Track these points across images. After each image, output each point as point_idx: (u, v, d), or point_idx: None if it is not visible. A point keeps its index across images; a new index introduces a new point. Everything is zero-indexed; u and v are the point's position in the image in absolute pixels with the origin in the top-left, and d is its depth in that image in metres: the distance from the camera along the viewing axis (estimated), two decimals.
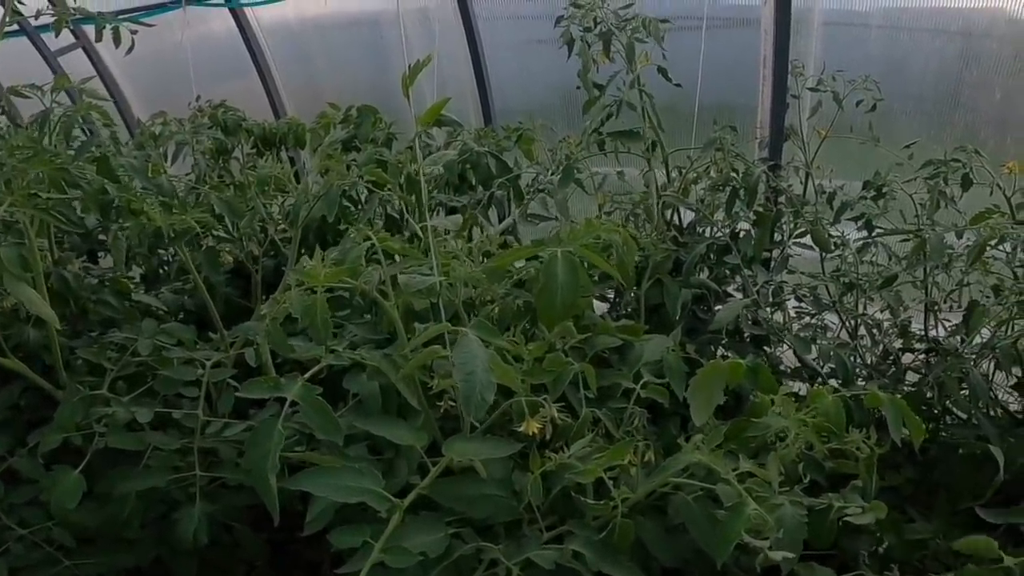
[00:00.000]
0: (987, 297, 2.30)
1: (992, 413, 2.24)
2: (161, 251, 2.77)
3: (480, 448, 1.46)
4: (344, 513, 1.50)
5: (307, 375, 1.39)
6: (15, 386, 1.99)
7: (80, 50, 5.22)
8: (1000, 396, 2.33)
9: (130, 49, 2.30)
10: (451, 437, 1.49)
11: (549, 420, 1.46)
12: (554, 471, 1.47)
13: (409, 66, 1.55)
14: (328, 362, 1.45)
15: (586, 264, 1.62)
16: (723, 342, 2.32)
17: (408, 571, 1.44)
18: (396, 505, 1.35)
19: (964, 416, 2.28)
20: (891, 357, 2.52)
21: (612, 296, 2.47)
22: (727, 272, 2.42)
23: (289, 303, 1.39)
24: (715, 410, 1.65)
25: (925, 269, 2.41)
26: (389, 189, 2.16)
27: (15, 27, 2.15)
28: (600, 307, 2.49)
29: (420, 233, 2.05)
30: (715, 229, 2.44)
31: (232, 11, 4.95)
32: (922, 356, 2.48)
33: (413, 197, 2.13)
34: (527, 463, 1.55)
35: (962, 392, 2.23)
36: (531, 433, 1.44)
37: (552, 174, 2.23)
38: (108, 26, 2.26)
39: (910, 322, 2.55)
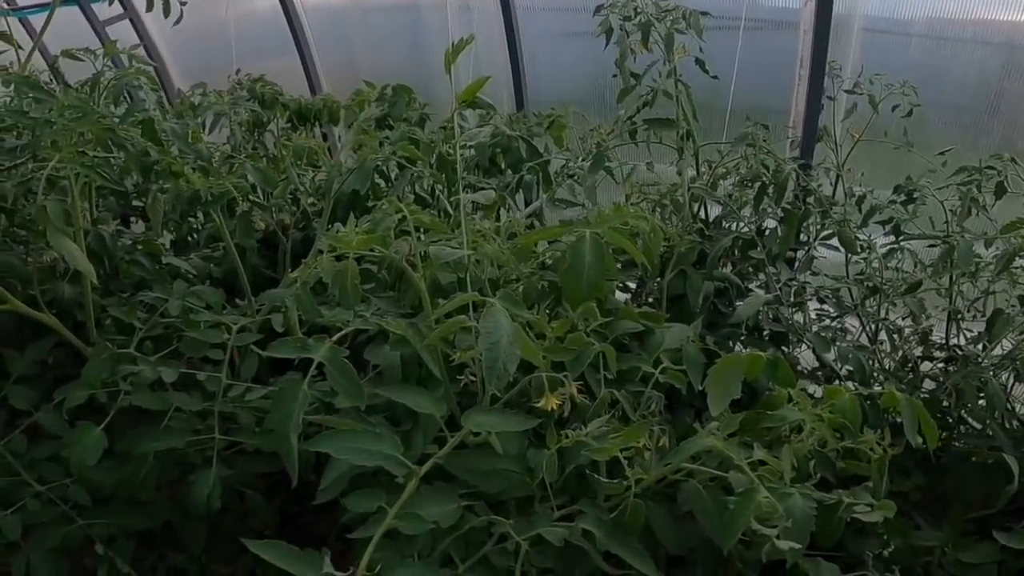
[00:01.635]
0: (1012, 307, 2.29)
1: (1007, 425, 2.23)
2: (191, 218, 2.82)
3: (499, 421, 1.48)
4: (357, 483, 1.53)
5: (334, 338, 1.41)
6: (46, 341, 2.02)
7: (127, 21, 5.32)
8: (1016, 408, 2.32)
9: (178, 20, 2.35)
10: (470, 409, 1.51)
11: (568, 398, 1.48)
12: (570, 448, 1.49)
13: (453, 43, 1.57)
14: (355, 327, 1.47)
15: (612, 250, 1.64)
16: (742, 337, 2.32)
17: (418, 540, 1.47)
18: (413, 471, 1.38)
19: (978, 426, 2.27)
20: (910, 363, 2.51)
21: (634, 286, 2.49)
22: (750, 268, 2.42)
23: (320, 268, 1.42)
24: (731, 404, 1.67)
25: (951, 277, 2.40)
26: (420, 167, 2.19)
27: None
28: (620, 297, 2.50)
29: (450, 210, 2.09)
30: (741, 224, 2.44)
31: None
32: (941, 365, 2.47)
33: (443, 176, 2.15)
34: (541, 441, 1.57)
35: (979, 401, 2.22)
36: (550, 409, 1.46)
37: (582, 161, 2.24)
38: None
39: (931, 330, 2.54)
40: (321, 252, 1.49)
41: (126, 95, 2.19)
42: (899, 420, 1.73)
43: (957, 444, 2.30)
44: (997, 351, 2.28)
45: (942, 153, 2.52)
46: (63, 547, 1.88)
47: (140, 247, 2.29)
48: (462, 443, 1.51)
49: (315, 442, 1.40)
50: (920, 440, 1.70)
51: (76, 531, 1.89)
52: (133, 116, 1.94)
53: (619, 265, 2.10)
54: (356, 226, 1.53)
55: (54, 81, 2.55)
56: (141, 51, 2.14)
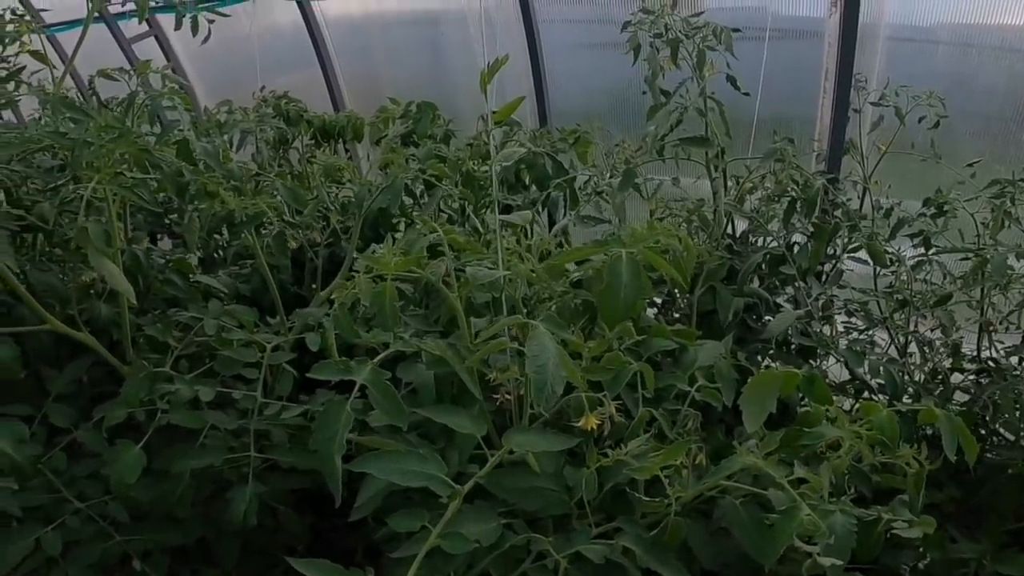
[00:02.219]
0: None
1: None
2: (216, 236, 2.84)
3: (539, 441, 1.49)
4: (390, 501, 1.54)
5: (376, 360, 1.42)
6: (84, 360, 2.04)
7: (152, 38, 5.39)
8: None
9: (207, 38, 2.37)
10: (510, 429, 1.52)
11: (608, 417, 1.48)
12: (609, 467, 1.49)
13: (488, 63, 1.58)
14: (395, 348, 1.48)
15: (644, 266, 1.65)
16: (771, 352, 2.32)
17: (457, 558, 1.48)
18: (457, 491, 1.38)
19: (1012, 437, 2.25)
20: (940, 376, 2.49)
21: (660, 302, 2.49)
22: (778, 283, 2.42)
23: (359, 289, 1.43)
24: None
25: (983, 289, 2.39)
26: (447, 184, 2.20)
27: (96, 14, 2.23)
28: (648, 312, 2.50)
29: (480, 228, 2.09)
30: (769, 239, 2.44)
31: (298, 3, 5.05)
32: (972, 376, 2.45)
33: (471, 193, 2.16)
34: (576, 460, 1.58)
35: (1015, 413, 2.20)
36: (589, 428, 1.46)
37: (610, 177, 2.24)
38: (187, 15, 2.33)
39: (962, 342, 2.52)
40: (356, 272, 1.50)
41: (159, 115, 2.21)
42: (933, 433, 1.71)
43: (990, 455, 2.28)
44: None
45: (971, 164, 2.50)
46: (101, 563, 1.90)
47: (172, 265, 2.31)
48: (499, 462, 1.52)
49: (360, 463, 1.41)
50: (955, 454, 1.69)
51: (114, 547, 1.91)
52: (168, 136, 1.96)
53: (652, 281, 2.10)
54: (391, 246, 1.54)
55: (85, 100, 2.59)
56: (171, 71, 2.16)
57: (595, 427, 1.46)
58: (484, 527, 1.46)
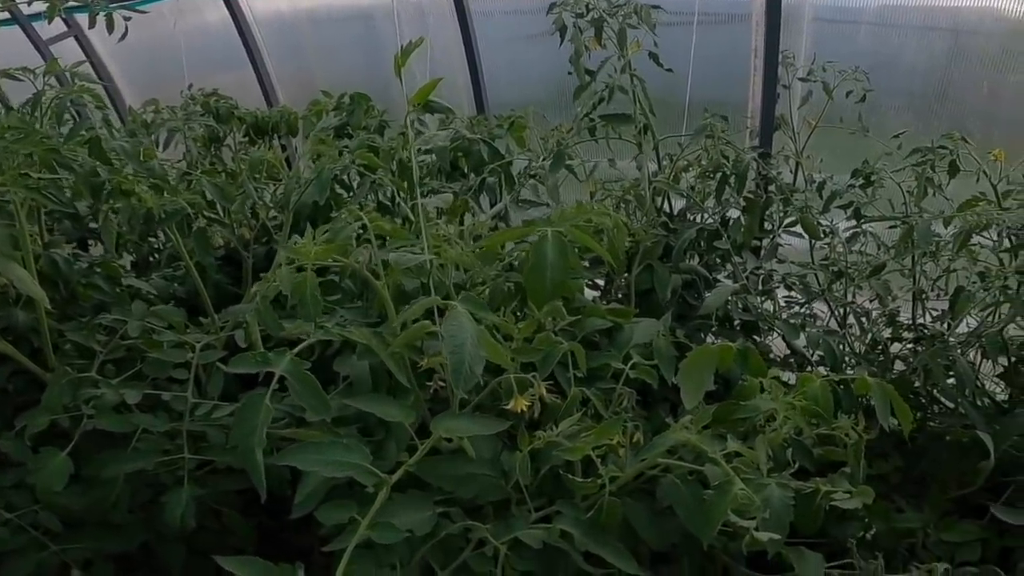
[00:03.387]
0: (974, 283, 2.32)
1: (979, 402, 2.25)
2: (151, 239, 2.77)
3: (469, 425, 1.47)
4: (333, 497, 1.50)
5: (295, 350, 1.39)
6: (3, 369, 1.97)
7: (72, 39, 5.21)
8: (986, 385, 2.34)
9: (123, 36, 2.31)
10: (439, 415, 1.49)
11: (538, 398, 1.46)
12: (542, 449, 1.48)
13: (401, 47, 1.55)
14: (317, 337, 1.44)
15: (577, 248, 1.63)
16: (713, 329, 2.33)
17: (395, 549, 1.45)
18: (383, 480, 1.36)
19: (951, 405, 2.29)
20: (879, 346, 2.53)
21: (603, 284, 2.48)
22: (717, 260, 2.43)
23: (279, 280, 1.39)
24: (705, 396, 1.66)
25: (913, 257, 2.43)
26: (381, 175, 2.16)
27: (6, 15, 2.14)
28: (590, 295, 2.49)
29: (412, 216, 2.06)
30: (705, 216, 2.45)
31: (226, 1, 4.94)
32: (910, 345, 2.49)
33: (405, 183, 2.13)
34: (515, 444, 1.56)
35: (949, 381, 2.24)
36: (519, 411, 1.44)
37: (544, 160, 2.23)
38: (101, 13, 2.25)
39: (898, 311, 2.57)
40: (280, 265, 1.46)
41: (73, 114, 2.13)
42: (872, 404, 1.73)
43: (932, 424, 2.32)
44: (963, 328, 2.31)
45: (896, 136, 2.55)
46: (39, 573, 1.85)
47: (98, 270, 2.24)
48: (435, 450, 1.49)
49: (282, 455, 1.38)
50: (894, 423, 1.71)
51: (50, 557, 1.86)
52: (79, 135, 1.89)
53: (586, 264, 2.10)
54: (315, 236, 1.50)
55: None
56: (86, 68, 2.08)
57: (526, 409, 1.44)
58: (418, 516, 1.44)
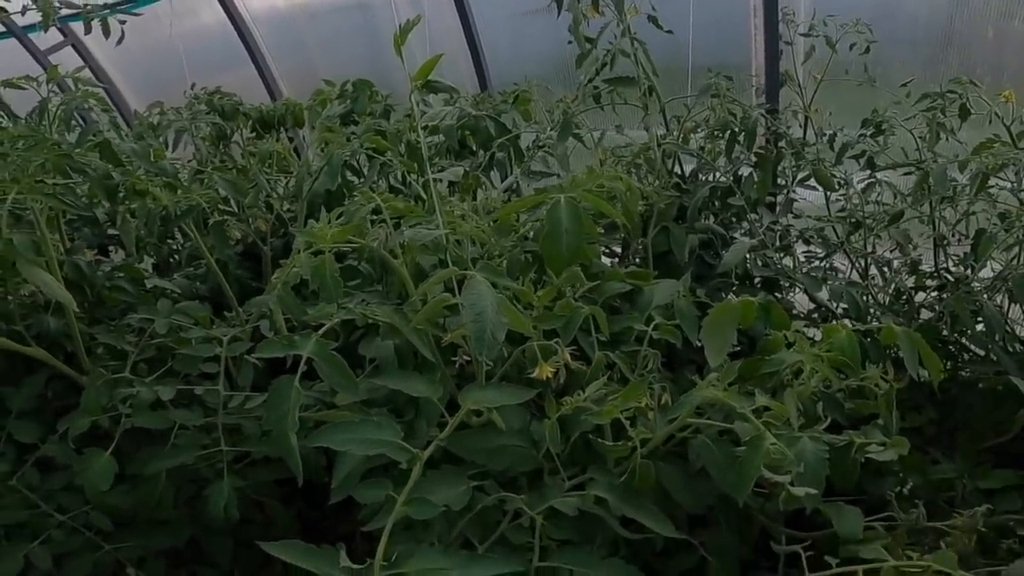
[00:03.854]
0: (994, 226, 2.29)
1: (1010, 348, 2.20)
2: (169, 240, 2.80)
3: (497, 396, 1.47)
4: (369, 479, 1.52)
5: (320, 332, 1.40)
6: (40, 375, 2.01)
7: (70, 48, 5.24)
8: (1016, 330, 2.31)
9: (120, 40, 2.32)
10: (466, 387, 1.49)
11: (562, 364, 1.46)
12: (571, 415, 1.47)
13: (399, 25, 1.55)
14: (340, 318, 1.45)
15: (591, 214, 1.63)
16: (733, 288, 2.31)
17: (434, 526, 1.46)
18: (416, 456, 1.36)
19: (981, 352, 2.26)
20: (903, 295, 2.50)
21: (620, 250, 2.48)
22: (733, 218, 2.42)
23: (299, 265, 1.40)
24: (730, 355, 1.64)
25: (931, 203, 2.40)
26: (390, 157, 2.17)
27: (1, 28, 2.16)
28: (607, 262, 2.49)
29: (424, 195, 2.07)
30: (717, 175, 2.44)
31: (221, 1, 4.95)
32: (934, 293, 2.46)
33: (414, 164, 2.13)
34: (543, 414, 1.56)
35: (978, 326, 2.21)
36: (545, 378, 1.45)
37: (551, 130, 2.23)
38: (96, 19, 2.26)
39: (920, 260, 2.54)
40: (299, 251, 1.47)
41: (79, 120, 2.15)
42: (902, 355, 1.70)
43: (963, 373, 2.28)
44: (987, 273, 2.28)
45: (904, 85, 2.52)
46: (97, 573, 1.90)
47: (121, 273, 2.27)
48: (465, 424, 1.49)
49: (315, 437, 1.39)
50: (923, 372, 1.68)
51: (105, 556, 1.91)
52: (88, 139, 1.90)
53: (601, 230, 2.09)
54: (330, 220, 1.51)
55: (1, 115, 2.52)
56: (87, 73, 2.10)
57: (551, 376, 1.44)
58: (453, 491, 1.43)
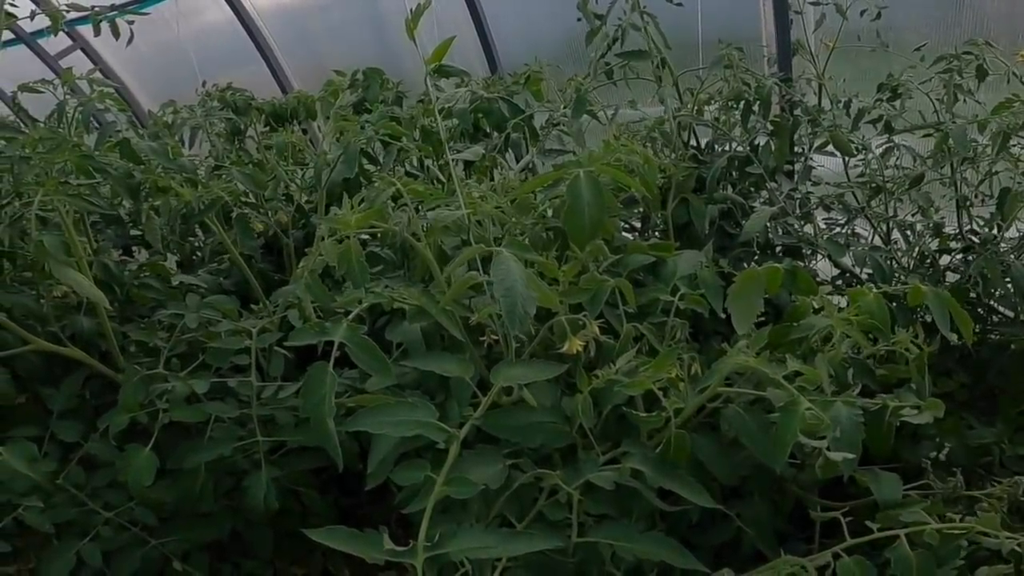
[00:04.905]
0: (1018, 184, 2.26)
1: None
2: (191, 238, 2.83)
3: (527, 372, 1.47)
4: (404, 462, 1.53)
5: (350, 316, 1.41)
6: (78, 375, 2.05)
7: (79, 52, 5.28)
8: None
9: (129, 40, 2.32)
10: (496, 365, 1.50)
11: (592, 338, 1.47)
12: (602, 389, 1.47)
13: (411, 11, 1.55)
14: (369, 302, 1.46)
15: (611, 187, 1.63)
16: (755, 256, 2.30)
17: (472, 507, 1.47)
18: (453, 435, 1.37)
19: (1011, 314, 2.23)
20: (928, 259, 2.48)
21: (640, 225, 2.47)
22: (751, 188, 2.41)
23: (325, 252, 1.41)
24: (756, 324, 1.63)
25: (952, 164, 2.37)
26: (405, 142, 2.18)
27: (11, 35, 2.17)
28: (628, 237, 2.48)
29: (442, 178, 2.07)
30: (734, 145, 2.42)
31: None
32: (959, 255, 2.44)
33: (430, 148, 2.14)
34: (574, 390, 1.55)
35: (1007, 287, 2.18)
36: (575, 352, 1.45)
37: (565, 108, 2.22)
38: (105, 21, 2.27)
39: (944, 222, 2.51)
40: (323, 239, 1.48)
41: (94, 121, 2.17)
42: (931, 319, 1.68)
43: (993, 336, 2.25)
44: (1012, 233, 2.25)
45: (918, 49, 2.49)
46: (144, 569, 1.94)
47: (148, 271, 2.30)
48: (496, 403, 1.50)
49: (350, 422, 1.40)
50: (955, 336, 1.65)
51: (152, 551, 1.94)
52: (107, 139, 1.92)
53: (620, 204, 2.08)
54: (352, 207, 1.52)
55: (19, 120, 2.54)
56: (98, 76, 2.11)
57: (580, 350, 1.44)
58: (490, 470, 1.44)
